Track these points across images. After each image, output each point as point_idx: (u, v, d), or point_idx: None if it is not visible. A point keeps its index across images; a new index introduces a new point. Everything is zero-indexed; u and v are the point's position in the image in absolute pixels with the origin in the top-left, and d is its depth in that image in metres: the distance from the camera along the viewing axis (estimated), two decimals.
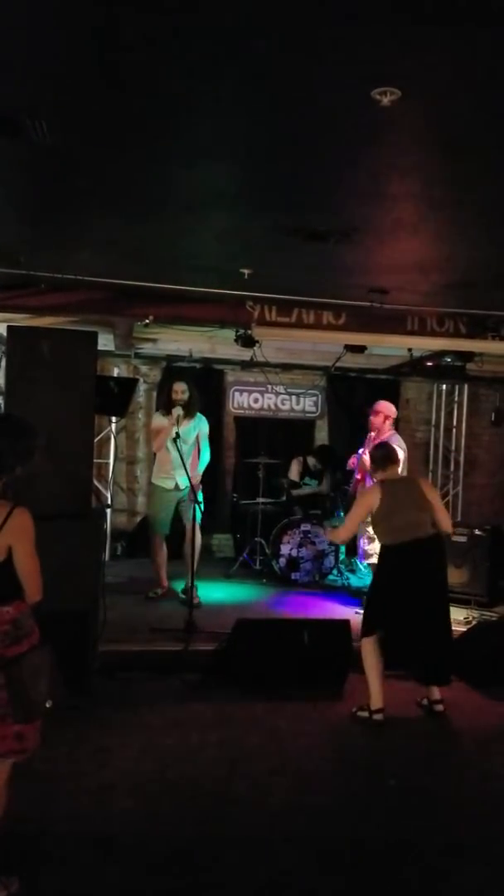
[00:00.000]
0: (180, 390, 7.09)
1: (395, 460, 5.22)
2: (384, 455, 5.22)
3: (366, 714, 4.85)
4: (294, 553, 8.20)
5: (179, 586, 7.22)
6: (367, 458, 7.02)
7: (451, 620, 5.15)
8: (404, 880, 3.26)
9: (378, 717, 4.81)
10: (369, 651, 4.91)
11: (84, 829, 3.51)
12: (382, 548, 5.06)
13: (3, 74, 2.92)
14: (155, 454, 7.43)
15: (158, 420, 7.25)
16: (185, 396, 7.05)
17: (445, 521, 5.03)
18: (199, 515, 6.92)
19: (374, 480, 5.26)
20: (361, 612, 5.44)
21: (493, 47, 2.56)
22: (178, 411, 6.93)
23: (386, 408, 7.21)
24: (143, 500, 10.05)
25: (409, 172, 3.70)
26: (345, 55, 2.63)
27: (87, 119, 3.27)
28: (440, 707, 5.02)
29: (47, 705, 2.95)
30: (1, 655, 2.90)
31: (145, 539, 9.53)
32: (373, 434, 7.14)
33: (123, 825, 3.56)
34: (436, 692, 5.05)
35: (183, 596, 6.93)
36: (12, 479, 3.07)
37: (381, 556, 5.08)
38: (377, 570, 5.18)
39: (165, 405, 7.13)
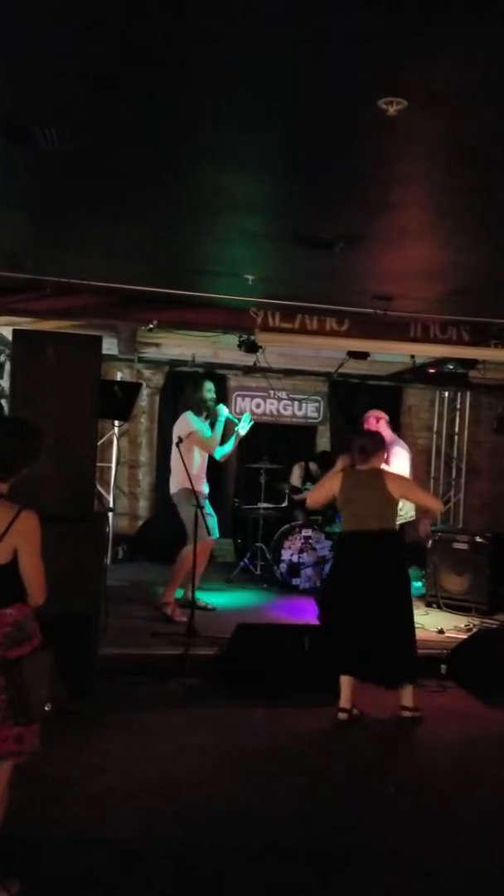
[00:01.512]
0: (211, 391, 7.01)
1: (372, 453, 4.99)
2: (366, 446, 5.01)
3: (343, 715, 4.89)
4: (295, 558, 8.20)
5: (178, 593, 7.16)
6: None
7: (411, 621, 4.99)
8: (405, 887, 3.26)
9: (342, 715, 4.86)
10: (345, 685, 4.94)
11: (84, 832, 3.51)
12: (340, 533, 5.23)
13: (12, 82, 2.94)
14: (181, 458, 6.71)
15: (196, 422, 6.82)
16: (214, 397, 7.00)
17: (431, 503, 5.30)
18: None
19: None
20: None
21: (498, 57, 2.57)
22: (212, 416, 6.87)
23: (375, 413, 7.31)
24: (146, 504, 10.08)
25: (415, 181, 3.72)
26: (351, 65, 2.65)
27: (96, 127, 3.29)
28: (406, 713, 4.92)
29: (46, 708, 2.94)
30: (2, 657, 2.90)
31: (147, 543, 9.60)
32: None
33: (123, 829, 3.56)
34: (405, 696, 4.93)
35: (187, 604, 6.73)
36: (18, 482, 3.08)
37: (338, 541, 5.27)
38: (334, 554, 5.36)
39: (199, 406, 6.88)
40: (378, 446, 5.10)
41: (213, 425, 6.88)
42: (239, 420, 7.11)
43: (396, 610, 4.89)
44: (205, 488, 6.93)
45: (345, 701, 4.89)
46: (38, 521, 3.02)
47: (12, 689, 2.87)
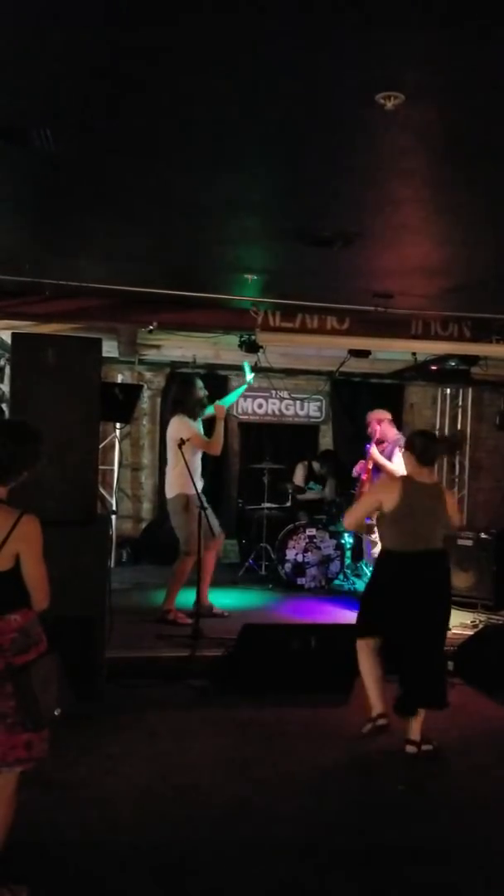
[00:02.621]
0: (204, 390, 6.85)
1: (434, 459, 4.66)
2: (426, 446, 4.55)
3: (369, 726, 4.56)
4: (300, 558, 8.18)
5: (190, 598, 6.85)
6: (374, 451, 7.04)
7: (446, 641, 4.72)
8: (415, 886, 3.24)
9: (381, 721, 4.51)
10: (364, 655, 4.63)
11: (92, 836, 3.49)
12: (385, 551, 4.67)
13: (6, 83, 2.93)
14: (185, 461, 6.50)
15: (193, 424, 6.69)
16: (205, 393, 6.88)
17: (455, 518, 4.70)
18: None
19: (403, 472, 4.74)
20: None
21: (495, 51, 2.56)
22: (204, 415, 6.80)
23: (375, 415, 7.29)
24: (149, 506, 10.06)
25: (413, 176, 3.71)
26: (349, 59, 2.64)
27: (91, 127, 3.28)
28: (413, 749, 4.40)
29: (56, 713, 2.92)
30: (9, 664, 2.88)
31: (151, 546, 9.58)
32: (369, 445, 7.12)
33: (131, 832, 3.54)
34: (415, 730, 4.44)
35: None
36: (19, 485, 3.06)
37: (382, 559, 4.69)
38: (376, 572, 4.79)
39: (195, 408, 6.74)
40: (437, 446, 4.73)
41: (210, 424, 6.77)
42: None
43: (443, 628, 4.63)
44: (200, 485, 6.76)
45: (381, 705, 4.52)
46: (39, 526, 3.00)
47: (21, 696, 2.85)
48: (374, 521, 4.91)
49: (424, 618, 4.47)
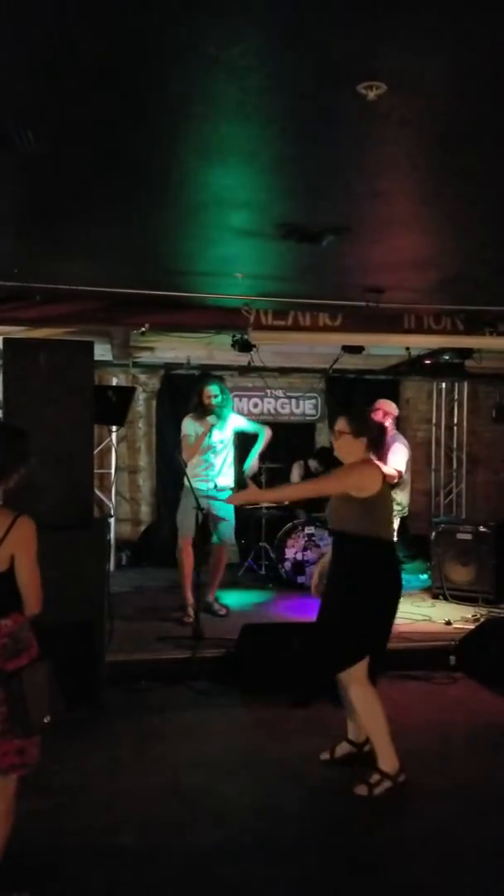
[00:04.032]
0: (213, 395, 6.86)
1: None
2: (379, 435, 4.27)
3: (388, 783, 3.89)
4: (299, 557, 8.17)
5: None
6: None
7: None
8: (421, 884, 3.23)
9: (401, 778, 3.93)
10: (369, 695, 3.96)
11: (96, 841, 3.47)
12: (376, 542, 3.96)
13: None
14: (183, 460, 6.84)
15: (190, 427, 6.90)
16: (218, 400, 6.88)
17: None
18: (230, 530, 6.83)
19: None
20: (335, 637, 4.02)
21: (479, 39, 2.54)
22: (213, 420, 6.78)
23: (385, 405, 7.13)
24: (147, 509, 10.05)
25: (399, 167, 3.68)
26: (329, 49, 2.61)
27: (74, 126, 3.25)
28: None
29: (46, 720, 2.88)
30: (0, 669, 2.86)
31: (150, 548, 9.57)
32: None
33: (135, 836, 3.52)
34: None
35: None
36: (11, 487, 3.04)
37: (387, 556, 4.06)
38: (364, 572, 3.95)
39: (196, 410, 6.92)
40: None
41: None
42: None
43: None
44: (202, 486, 6.76)
45: (395, 759, 3.96)
46: (35, 528, 2.98)
47: (12, 702, 2.83)
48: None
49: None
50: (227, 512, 6.91)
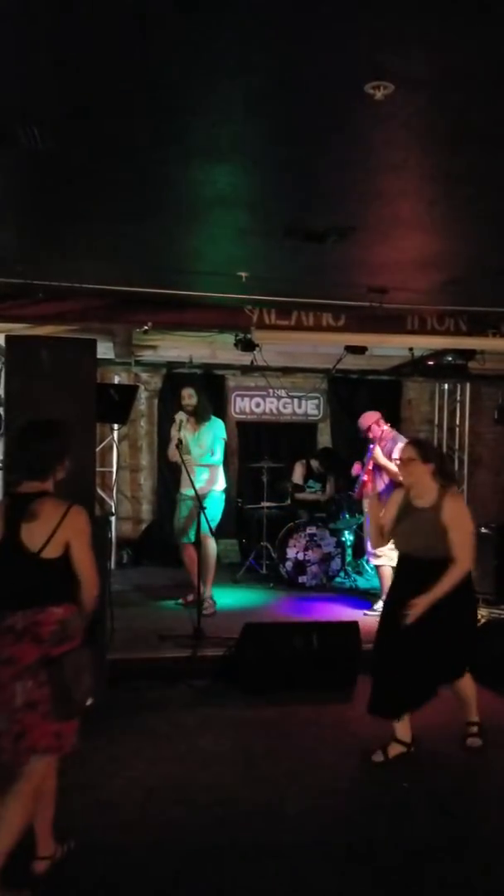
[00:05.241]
0: (187, 395, 7.18)
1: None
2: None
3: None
4: (300, 556, 8.17)
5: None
6: (378, 453, 6.99)
7: None
8: (425, 882, 3.22)
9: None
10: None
11: (96, 839, 3.47)
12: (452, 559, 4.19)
13: None
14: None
15: (176, 428, 7.15)
16: (193, 402, 7.12)
17: None
18: (204, 524, 6.71)
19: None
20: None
21: (485, 40, 2.53)
22: (180, 416, 7.05)
23: (368, 417, 7.30)
24: (148, 507, 10.05)
25: (405, 168, 3.67)
26: (337, 49, 2.61)
27: (80, 125, 3.25)
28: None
29: (88, 703, 3.03)
30: (46, 654, 2.97)
31: (151, 547, 9.58)
32: (372, 445, 7.09)
33: (136, 835, 3.53)
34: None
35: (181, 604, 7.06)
36: (61, 478, 3.25)
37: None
38: (465, 583, 4.27)
39: (185, 412, 7.18)
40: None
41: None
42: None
43: None
44: (188, 491, 6.89)
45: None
46: (88, 517, 3.17)
47: (55, 685, 2.94)
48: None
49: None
50: (210, 511, 6.87)
